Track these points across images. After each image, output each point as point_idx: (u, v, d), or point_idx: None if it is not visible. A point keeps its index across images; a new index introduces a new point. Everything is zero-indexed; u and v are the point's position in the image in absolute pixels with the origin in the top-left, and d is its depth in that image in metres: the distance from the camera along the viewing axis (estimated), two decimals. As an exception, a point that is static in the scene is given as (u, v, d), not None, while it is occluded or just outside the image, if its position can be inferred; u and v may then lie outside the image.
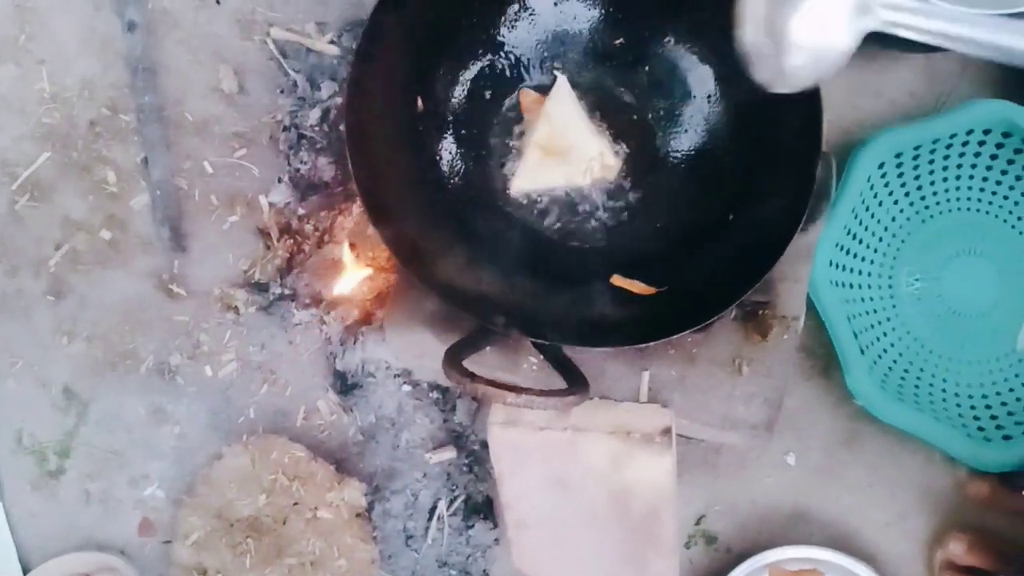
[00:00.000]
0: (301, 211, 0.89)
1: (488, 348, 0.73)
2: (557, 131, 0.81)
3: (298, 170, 0.90)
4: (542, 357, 0.76)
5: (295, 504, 0.86)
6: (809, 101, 0.73)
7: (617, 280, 0.78)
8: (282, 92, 0.91)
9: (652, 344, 0.75)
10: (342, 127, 0.88)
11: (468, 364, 0.66)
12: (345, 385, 0.90)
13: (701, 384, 0.79)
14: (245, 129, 0.91)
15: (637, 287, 0.77)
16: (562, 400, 0.63)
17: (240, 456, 0.87)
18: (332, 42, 0.91)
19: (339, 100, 0.90)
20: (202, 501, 0.86)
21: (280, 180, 0.90)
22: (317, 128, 0.90)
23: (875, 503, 0.92)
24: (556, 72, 0.82)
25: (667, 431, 0.76)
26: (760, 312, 0.79)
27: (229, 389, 0.90)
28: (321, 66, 0.90)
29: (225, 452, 0.87)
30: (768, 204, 0.76)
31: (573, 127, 0.81)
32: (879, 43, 0.94)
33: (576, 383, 0.67)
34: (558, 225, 0.81)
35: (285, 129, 0.90)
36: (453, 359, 0.65)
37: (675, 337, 0.73)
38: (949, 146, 0.91)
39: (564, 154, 0.81)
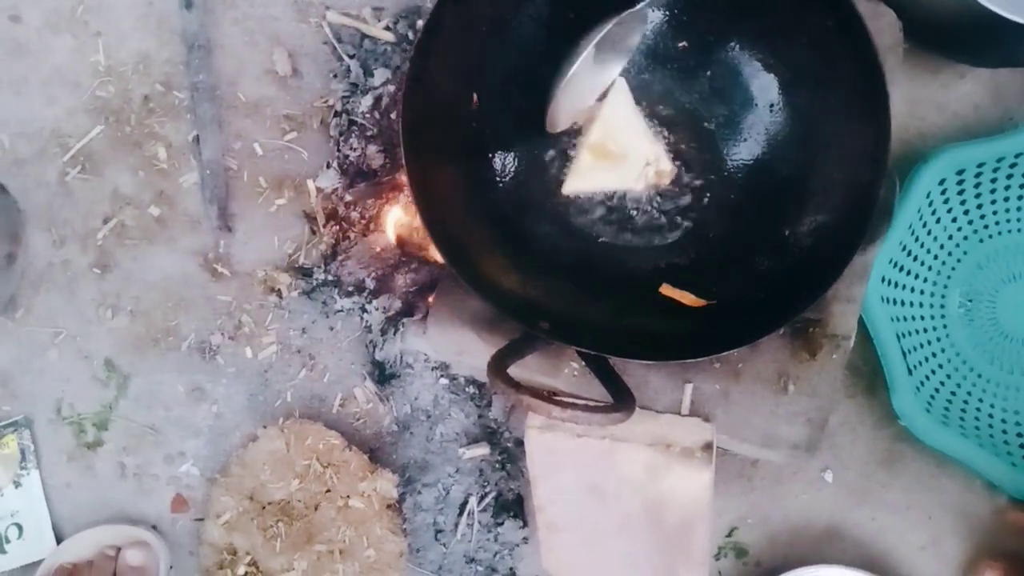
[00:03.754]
0: (348, 198, 0.88)
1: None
2: (612, 133, 0.79)
3: (347, 156, 0.89)
4: (584, 364, 0.75)
5: (327, 491, 0.86)
6: (876, 117, 0.71)
7: (666, 290, 0.76)
8: (335, 77, 0.90)
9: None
10: (394, 115, 0.88)
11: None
12: (383, 374, 0.90)
13: (745, 400, 0.77)
14: (296, 112, 0.90)
15: (687, 298, 0.75)
16: (607, 416, 0.62)
17: (275, 439, 0.87)
18: (387, 28, 0.89)
19: (391, 88, 0.89)
20: (235, 481, 0.87)
21: (329, 165, 0.89)
22: (368, 115, 0.89)
23: (910, 526, 0.91)
24: (615, 73, 0.80)
25: (708, 446, 0.75)
26: (810, 330, 0.78)
27: (268, 371, 0.90)
28: (375, 52, 0.89)
29: (261, 434, 0.87)
30: (827, 222, 0.74)
31: (629, 130, 0.79)
32: (945, 55, 0.92)
33: (622, 398, 0.65)
34: (608, 230, 0.80)
35: (336, 115, 0.89)
36: (498, 367, 0.64)
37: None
38: (1013, 165, 0.89)
39: (618, 157, 0.79)
